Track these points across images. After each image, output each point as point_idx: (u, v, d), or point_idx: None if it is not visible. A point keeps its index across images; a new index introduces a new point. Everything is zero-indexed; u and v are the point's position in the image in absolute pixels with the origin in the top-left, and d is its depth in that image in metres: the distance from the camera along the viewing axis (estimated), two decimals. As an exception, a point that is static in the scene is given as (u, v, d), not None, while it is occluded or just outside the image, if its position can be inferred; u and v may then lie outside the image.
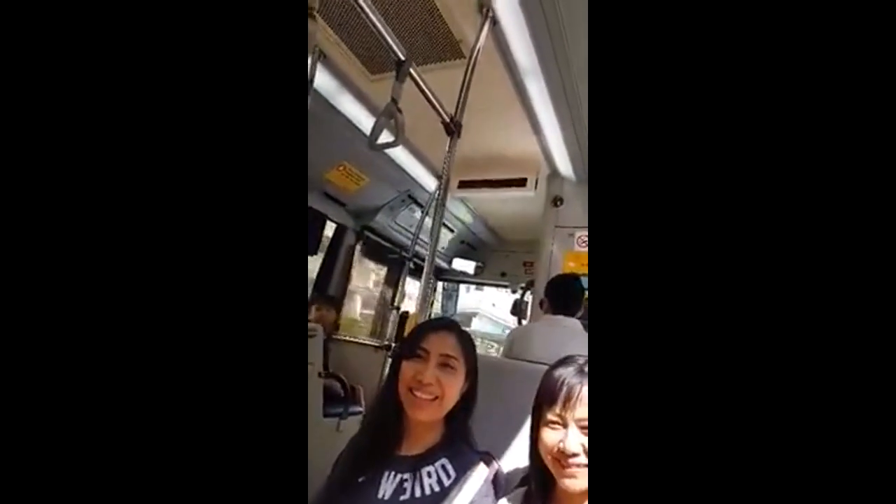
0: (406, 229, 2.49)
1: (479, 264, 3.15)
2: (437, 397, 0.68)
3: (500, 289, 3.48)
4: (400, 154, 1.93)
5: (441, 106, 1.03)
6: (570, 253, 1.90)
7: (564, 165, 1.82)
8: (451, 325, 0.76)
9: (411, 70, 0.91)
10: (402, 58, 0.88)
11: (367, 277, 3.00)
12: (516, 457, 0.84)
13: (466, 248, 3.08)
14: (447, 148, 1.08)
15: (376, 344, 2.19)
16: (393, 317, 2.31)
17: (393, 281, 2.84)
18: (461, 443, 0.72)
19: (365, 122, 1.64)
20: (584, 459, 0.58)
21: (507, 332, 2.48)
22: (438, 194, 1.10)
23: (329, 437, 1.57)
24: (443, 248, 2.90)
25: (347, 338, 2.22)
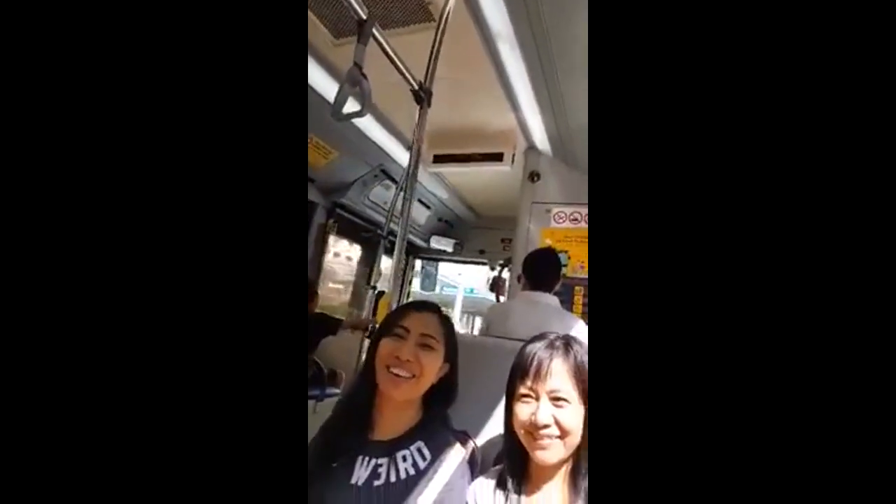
0: (380, 206, 2.42)
1: (458, 242, 3.13)
2: (414, 375, 0.67)
3: (476, 265, 3.48)
4: (371, 126, 1.84)
5: (410, 73, 0.96)
6: (547, 229, 1.89)
7: (541, 139, 1.79)
8: (432, 307, 0.74)
9: (375, 32, 0.84)
10: (364, 16, 0.80)
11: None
12: (493, 430, 0.84)
13: (444, 225, 3.04)
14: (417, 117, 1.03)
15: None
16: (369, 296, 2.27)
17: (368, 260, 2.79)
18: (438, 424, 0.71)
19: (331, 91, 1.54)
20: (555, 431, 0.58)
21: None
22: (410, 168, 1.05)
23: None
24: (419, 225, 2.85)
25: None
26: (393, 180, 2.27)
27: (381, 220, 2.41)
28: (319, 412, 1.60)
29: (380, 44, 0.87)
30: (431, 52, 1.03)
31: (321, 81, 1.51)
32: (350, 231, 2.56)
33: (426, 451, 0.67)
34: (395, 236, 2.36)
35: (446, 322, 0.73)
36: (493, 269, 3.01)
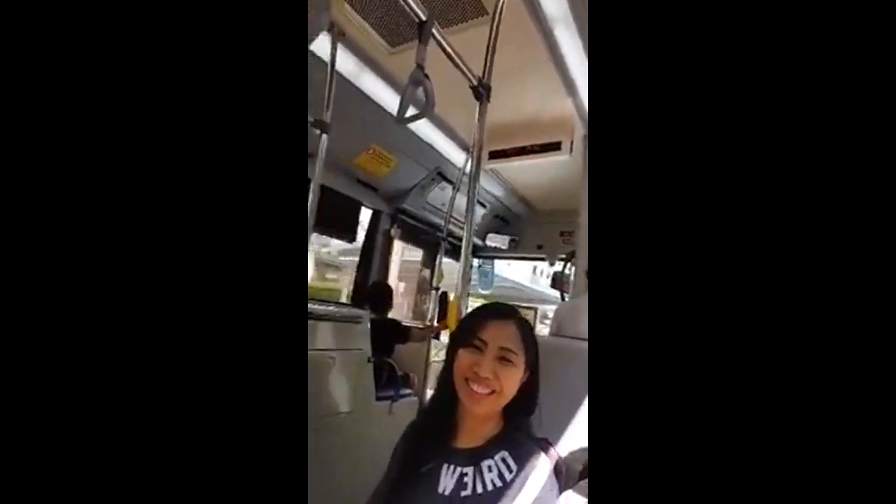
0: (438, 208, 2.44)
1: (514, 238, 3.07)
2: (494, 391, 0.65)
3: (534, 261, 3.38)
4: (427, 129, 1.87)
5: (468, 69, 0.96)
6: (615, 217, 1.78)
7: (602, 123, 1.70)
8: (510, 314, 0.70)
9: (434, 32, 0.84)
10: (424, 17, 0.81)
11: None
12: (573, 441, 0.79)
13: (499, 222, 3.01)
14: (477, 114, 1.02)
15: (420, 326, 2.20)
16: (433, 297, 2.30)
17: (429, 262, 2.83)
18: (521, 433, 0.68)
19: (388, 100, 1.59)
20: None
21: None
22: (472, 166, 1.04)
23: (382, 420, 1.60)
24: (475, 224, 2.84)
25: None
26: (449, 182, 2.29)
27: (439, 221, 2.44)
28: (395, 413, 1.66)
29: (439, 43, 0.87)
30: (488, 46, 1.02)
31: (379, 91, 1.56)
32: (412, 235, 2.62)
33: (511, 462, 0.65)
34: (454, 237, 2.38)
35: (525, 329, 0.69)
36: (552, 264, 2.91)
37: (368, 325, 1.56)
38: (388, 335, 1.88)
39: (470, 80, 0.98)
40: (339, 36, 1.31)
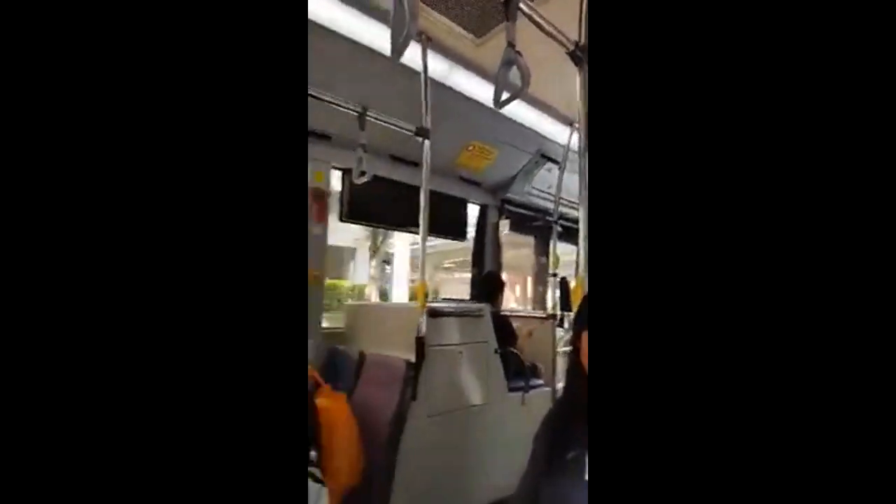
0: (545, 192, 2.34)
1: None
2: None
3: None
4: (524, 112, 1.81)
5: (564, 35, 0.89)
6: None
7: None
8: None
9: (521, 6, 0.80)
10: (509, -5, 0.78)
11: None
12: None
13: None
14: (578, 82, 0.94)
15: (542, 315, 2.14)
16: (552, 283, 2.21)
17: (543, 249, 2.73)
18: None
19: (482, 93, 1.58)
20: None
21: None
22: (580, 138, 0.97)
23: (517, 411, 1.60)
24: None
25: (510, 313, 2.22)
26: (554, 162, 2.17)
27: (549, 205, 2.33)
28: (528, 404, 1.64)
29: (528, 15, 0.83)
30: (581, 6, 0.93)
31: (472, 86, 1.56)
32: (521, 223, 2.56)
33: None
34: (567, 219, 2.23)
35: None
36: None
37: (490, 318, 1.57)
38: (501, 331, 1.87)
39: (566, 47, 0.91)
40: (426, 42, 1.35)
